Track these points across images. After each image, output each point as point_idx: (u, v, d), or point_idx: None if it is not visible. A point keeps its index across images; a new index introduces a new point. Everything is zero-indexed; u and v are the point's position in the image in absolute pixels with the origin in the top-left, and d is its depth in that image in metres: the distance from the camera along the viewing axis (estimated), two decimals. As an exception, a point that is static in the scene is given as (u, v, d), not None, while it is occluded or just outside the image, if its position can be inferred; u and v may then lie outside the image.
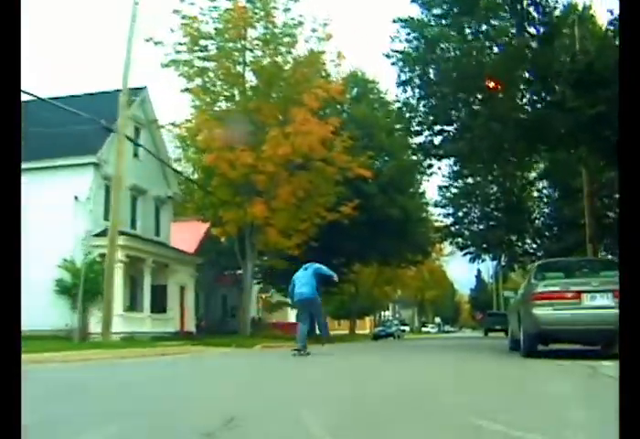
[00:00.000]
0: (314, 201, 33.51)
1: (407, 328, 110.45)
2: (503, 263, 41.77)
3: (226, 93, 33.25)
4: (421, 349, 19.19)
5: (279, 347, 28.02)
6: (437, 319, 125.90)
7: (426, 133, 19.20)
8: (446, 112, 18.32)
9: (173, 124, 33.14)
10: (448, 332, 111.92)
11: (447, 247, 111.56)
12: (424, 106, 18.53)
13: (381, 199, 40.07)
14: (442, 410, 4.87)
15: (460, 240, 40.22)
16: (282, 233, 32.26)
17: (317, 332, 16.64)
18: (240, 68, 32.88)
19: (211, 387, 7.55)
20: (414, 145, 19.92)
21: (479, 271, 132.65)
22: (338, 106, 41.87)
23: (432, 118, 18.60)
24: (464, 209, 40.00)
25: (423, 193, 46.65)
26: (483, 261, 42.60)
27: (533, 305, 11.17)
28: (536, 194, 38.94)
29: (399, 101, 19.57)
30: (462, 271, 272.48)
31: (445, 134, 18.87)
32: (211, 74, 32.61)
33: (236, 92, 33.32)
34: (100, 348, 17.79)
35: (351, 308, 64.91)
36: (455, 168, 34.59)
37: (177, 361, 14.46)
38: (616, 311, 9.81)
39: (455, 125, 18.84)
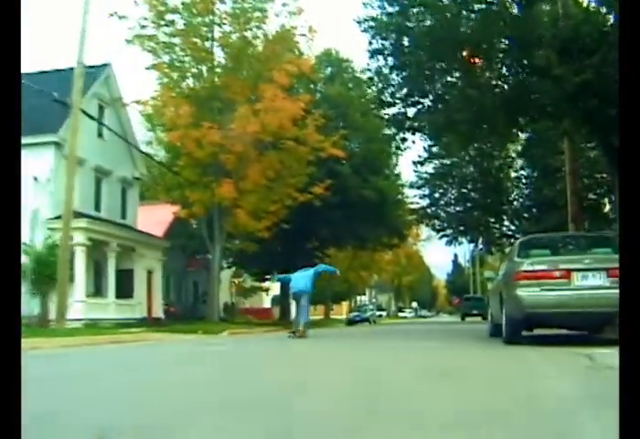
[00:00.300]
0: (284, 182, 32.28)
1: (383, 313, 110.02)
2: (480, 246, 40.63)
3: (193, 70, 31.81)
4: (393, 335, 18.05)
5: (247, 333, 27.03)
6: (414, 304, 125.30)
7: (400, 104, 17.94)
8: (421, 83, 17.07)
9: (137, 102, 31.70)
10: (425, 317, 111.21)
11: (424, 231, 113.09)
12: (397, 76, 17.30)
13: (355, 180, 38.96)
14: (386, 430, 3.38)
15: (436, 222, 39.08)
16: (252, 215, 31.01)
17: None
18: (208, 43, 31.54)
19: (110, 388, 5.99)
20: (387, 117, 18.61)
21: (456, 255, 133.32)
22: (312, 86, 40.60)
23: (405, 89, 17.38)
24: (441, 190, 38.77)
25: (399, 175, 45.60)
26: (460, 244, 41.73)
27: (517, 285, 9.98)
28: (514, 174, 37.75)
29: (369, 70, 18.30)
30: (439, 255, 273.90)
31: (420, 106, 17.61)
32: (178, 50, 31.21)
33: (204, 69, 31.89)
34: (51, 336, 16.55)
35: (326, 293, 63.76)
36: (431, 146, 33.54)
37: (121, 351, 13.07)
38: (610, 292, 8.97)
39: (431, 96, 17.58)
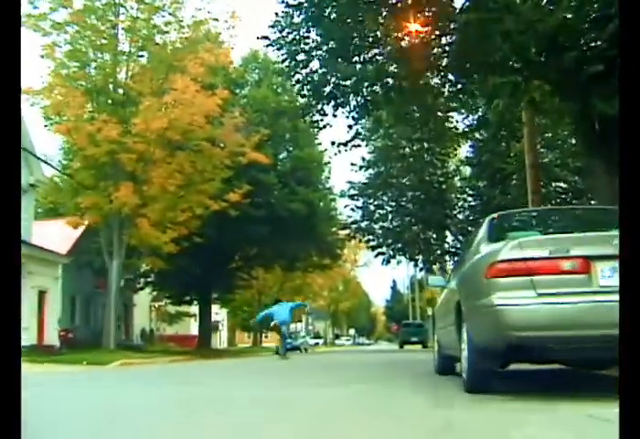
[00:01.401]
0: (196, 188, 27.90)
1: (320, 341, 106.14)
2: (420, 266, 36.76)
3: (91, 55, 27.30)
4: (316, 371, 13.98)
5: (144, 363, 22.70)
6: (352, 331, 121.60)
7: (318, 62, 13.97)
8: (343, 38, 13.12)
9: (28, 92, 26.83)
10: (363, 344, 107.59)
11: (362, 256, 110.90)
12: (314, 28, 13.34)
13: (282, 192, 34.93)
14: None
15: (370, 238, 35.03)
16: (156, 226, 26.61)
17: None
18: (110, 27, 27.17)
19: None
20: (299, 81, 14.56)
21: (394, 281, 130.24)
22: (232, 85, 36.49)
23: (325, 45, 13.44)
24: (376, 202, 34.74)
25: (330, 188, 41.37)
26: (398, 262, 37.64)
27: (491, 287, 5.39)
28: (459, 183, 34.06)
29: (278, 23, 14.21)
30: (377, 282, 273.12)
31: (344, 65, 13.58)
32: (75, 33, 26.72)
33: (106, 56, 27.47)
34: None
35: (251, 317, 59.39)
36: (364, 147, 29.96)
37: None
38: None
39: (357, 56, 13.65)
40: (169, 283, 39.10)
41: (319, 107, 14.91)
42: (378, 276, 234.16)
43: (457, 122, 32.29)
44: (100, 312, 43.73)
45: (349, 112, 14.93)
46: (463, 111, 24.17)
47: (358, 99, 14.43)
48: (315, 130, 21.87)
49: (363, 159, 34.24)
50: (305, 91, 15.02)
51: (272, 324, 23.75)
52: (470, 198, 33.00)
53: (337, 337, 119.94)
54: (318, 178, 38.81)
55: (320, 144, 39.52)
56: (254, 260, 40.99)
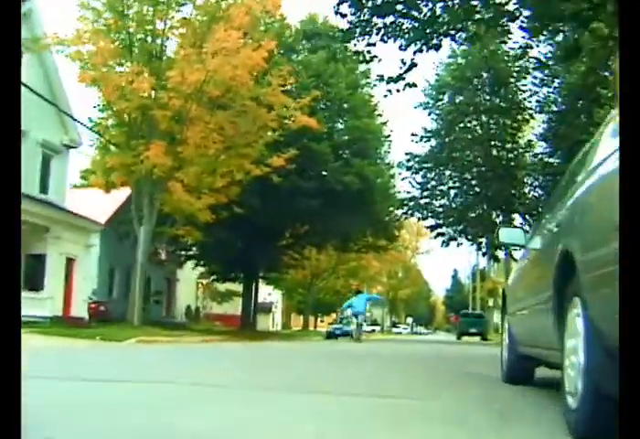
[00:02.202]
0: (236, 152, 25.25)
1: (377, 328, 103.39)
2: (483, 250, 33.34)
3: (130, 4, 24.64)
4: (357, 364, 11.30)
5: (162, 342, 20.24)
6: (409, 320, 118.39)
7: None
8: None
9: (62, 42, 24.30)
10: (420, 334, 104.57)
11: (423, 243, 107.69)
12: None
13: (335, 163, 32.05)
14: None
15: (430, 215, 31.80)
16: (191, 191, 24.07)
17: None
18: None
19: None
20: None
21: (456, 271, 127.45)
22: (287, 51, 33.68)
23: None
24: (437, 177, 31.53)
25: (389, 163, 38.05)
26: (459, 245, 34.23)
27: None
28: (530, 160, 30.51)
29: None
30: (438, 271, 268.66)
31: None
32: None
33: (145, 7, 24.82)
34: None
35: (307, 301, 56.81)
36: (425, 110, 26.93)
37: None
38: None
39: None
40: (210, 258, 36.68)
41: (365, 28, 11.92)
42: (440, 264, 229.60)
43: (531, 92, 29.35)
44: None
45: (401, 38, 11.93)
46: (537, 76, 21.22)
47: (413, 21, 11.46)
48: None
49: (425, 130, 31.06)
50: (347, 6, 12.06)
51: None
52: (542, 177, 29.49)
53: (395, 324, 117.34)
54: (376, 152, 35.73)
55: (380, 115, 36.55)
56: (305, 237, 38.26)
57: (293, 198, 31.38)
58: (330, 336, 45.13)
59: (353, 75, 35.20)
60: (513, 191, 28.67)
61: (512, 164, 29.67)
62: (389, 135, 36.49)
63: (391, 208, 36.83)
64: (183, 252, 37.38)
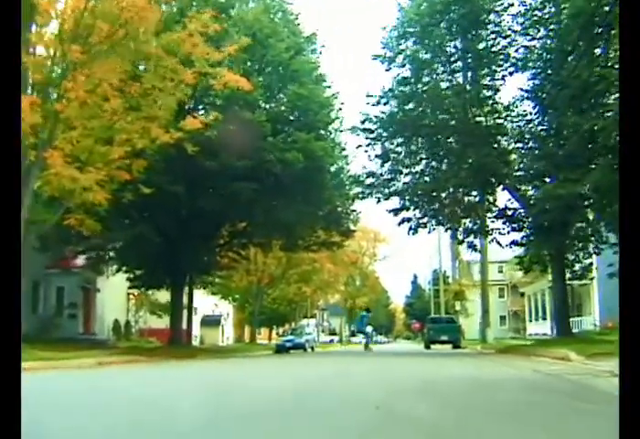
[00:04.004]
0: (142, 115, 19.12)
1: (335, 338, 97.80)
2: (460, 237, 26.90)
3: None
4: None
5: (34, 368, 14.03)
6: (369, 329, 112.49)
7: None
8: None
9: None
10: (381, 343, 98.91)
11: (381, 250, 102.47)
12: None
13: (275, 137, 26.02)
14: None
15: (392, 193, 25.41)
16: (73, 161, 17.84)
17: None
18: None
19: None
20: None
21: (415, 276, 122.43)
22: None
23: None
24: (401, 147, 25.24)
25: (340, 143, 31.84)
26: (431, 231, 27.82)
27: None
28: (516, 123, 24.48)
29: None
30: (397, 277, 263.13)
31: None
32: None
33: None
34: None
35: (254, 311, 50.55)
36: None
37: None
38: None
39: None
40: (128, 259, 30.30)
41: None
42: (398, 270, 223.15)
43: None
44: (52, 297, 35.20)
45: None
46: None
47: None
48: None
49: (384, 90, 24.96)
50: None
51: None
52: (532, 143, 23.48)
53: (354, 334, 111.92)
54: (325, 126, 29.50)
55: (329, 87, 30.55)
56: (244, 234, 32.22)
57: (225, 183, 25.39)
58: (280, 349, 39.02)
59: (295, 38, 29.31)
60: (497, 160, 22.63)
61: (493, 128, 23.68)
62: (340, 109, 30.47)
63: (347, 189, 30.67)
64: (101, 256, 30.84)
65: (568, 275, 24.45)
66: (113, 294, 40.72)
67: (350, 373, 11.60)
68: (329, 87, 30.51)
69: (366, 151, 24.86)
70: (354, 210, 32.90)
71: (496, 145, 23.43)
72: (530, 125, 23.30)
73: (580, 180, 17.75)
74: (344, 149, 31.34)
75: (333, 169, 30.44)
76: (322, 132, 28.46)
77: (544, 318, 47.27)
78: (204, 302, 62.16)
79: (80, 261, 32.77)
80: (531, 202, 22.35)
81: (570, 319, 41.28)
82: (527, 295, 56.59)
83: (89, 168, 17.77)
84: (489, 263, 76.33)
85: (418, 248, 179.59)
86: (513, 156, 23.81)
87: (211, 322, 64.64)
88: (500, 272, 73.50)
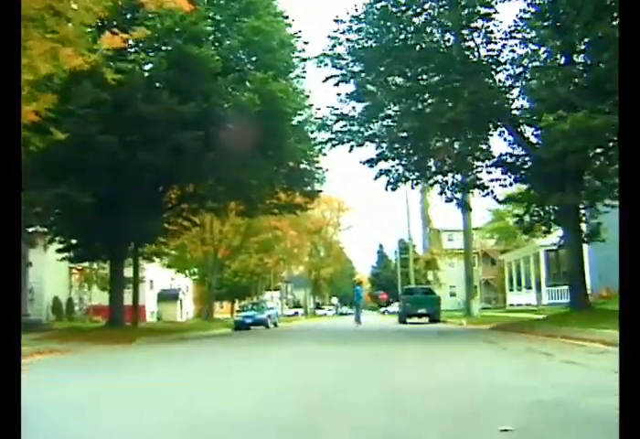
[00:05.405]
0: (44, 32, 14.79)
1: (299, 311, 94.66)
2: (448, 194, 22.33)
3: None
4: None
5: None
6: (334, 300, 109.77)
7: None
8: None
9: None
10: (347, 314, 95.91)
11: (344, 219, 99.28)
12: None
13: (226, 76, 21.77)
14: None
15: (368, 139, 21.08)
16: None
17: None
18: None
19: None
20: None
21: (381, 246, 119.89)
22: None
23: None
24: (377, 78, 20.51)
25: (303, 76, 27.38)
26: (415, 185, 23.54)
27: None
28: (511, 52, 19.75)
29: None
30: (361, 247, 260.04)
31: None
32: None
33: None
34: None
35: (211, 284, 46.32)
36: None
37: None
38: None
39: None
40: (58, 227, 25.95)
41: None
42: (363, 241, 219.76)
43: None
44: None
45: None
46: None
47: None
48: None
49: (359, 16, 20.36)
50: None
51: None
52: (537, 61, 18.88)
53: (319, 306, 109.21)
54: (284, 65, 25.11)
55: (290, 25, 26.08)
56: (194, 197, 28.02)
57: (168, 132, 21.16)
58: (240, 326, 35.08)
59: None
60: (496, 96, 18.43)
61: (491, 57, 19.31)
62: (303, 50, 26.05)
63: (312, 143, 26.33)
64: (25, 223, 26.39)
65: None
66: (52, 268, 36.36)
67: (325, 381, 7.58)
68: (290, 25, 26.15)
69: (336, 85, 20.36)
70: (319, 168, 28.58)
71: (492, 80, 19.25)
72: (541, 51, 18.81)
73: (610, 113, 13.76)
74: (307, 97, 26.94)
75: (295, 120, 26.14)
76: (281, 71, 24.03)
77: (528, 288, 43.76)
78: (161, 276, 58.17)
79: None
80: (537, 146, 18.40)
81: (557, 288, 38.11)
82: (506, 263, 53.05)
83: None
84: (457, 232, 73.51)
85: (383, 217, 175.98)
86: (514, 93, 19.60)
87: (169, 297, 60.74)
88: (470, 239, 70.28)
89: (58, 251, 27.05)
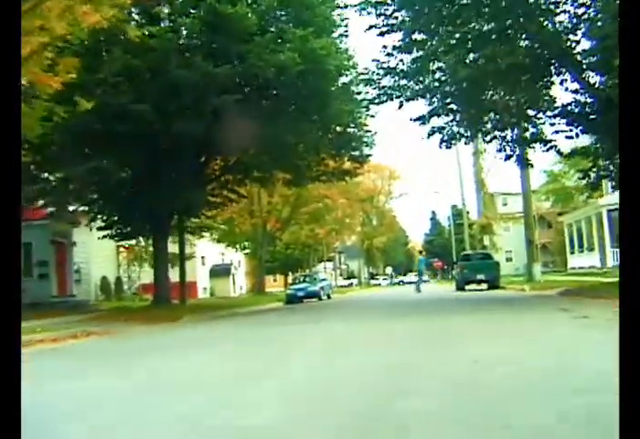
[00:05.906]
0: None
1: (354, 281, 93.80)
2: (507, 150, 20.51)
3: None
4: None
5: None
6: (388, 270, 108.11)
7: None
8: None
9: None
10: (402, 283, 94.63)
11: (396, 187, 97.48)
12: None
13: (263, 36, 20.35)
14: None
15: (419, 96, 19.43)
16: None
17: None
18: None
19: None
20: None
21: (434, 212, 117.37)
22: None
23: None
24: (426, 25, 18.69)
25: (346, 35, 25.54)
26: (468, 142, 22.03)
27: None
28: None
29: None
30: (413, 216, 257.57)
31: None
32: None
33: None
34: None
35: (261, 257, 45.25)
36: None
37: None
38: None
39: None
40: (94, 203, 24.97)
41: None
42: (415, 209, 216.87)
43: None
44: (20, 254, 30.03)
45: None
46: None
47: None
48: None
49: None
50: None
51: None
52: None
53: (373, 276, 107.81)
54: (325, 23, 23.49)
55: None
56: (235, 167, 26.77)
57: (204, 98, 19.90)
58: (292, 299, 34.00)
59: None
60: (556, 38, 16.63)
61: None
62: (346, 5, 24.36)
63: (359, 104, 24.71)
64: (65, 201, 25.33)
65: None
66: (99, 248, 35.60)
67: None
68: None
69: (381, 35, 18.68)
70: (368, 131, 27.02)
71: (552, 23, 17.41)
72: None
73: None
74: (352, 57, 25.32)
75: (340, 81, 24.58)
76: (322, 27, 22.44)
77: (590, 249, 41.81)
78: (212, 251, 57.44)
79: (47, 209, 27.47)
80: (605, 91, 16.64)
81: (612, 250, 36.36)
82: (565, 225, 51.02)
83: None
84: (512, 195, 71.17)
85: (434, 184, 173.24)
86: (578, 34, 17.73)
87: (221, 272, 59.93)
88: (526, 202, 68.15)
89: (99, 228, 26.07)
